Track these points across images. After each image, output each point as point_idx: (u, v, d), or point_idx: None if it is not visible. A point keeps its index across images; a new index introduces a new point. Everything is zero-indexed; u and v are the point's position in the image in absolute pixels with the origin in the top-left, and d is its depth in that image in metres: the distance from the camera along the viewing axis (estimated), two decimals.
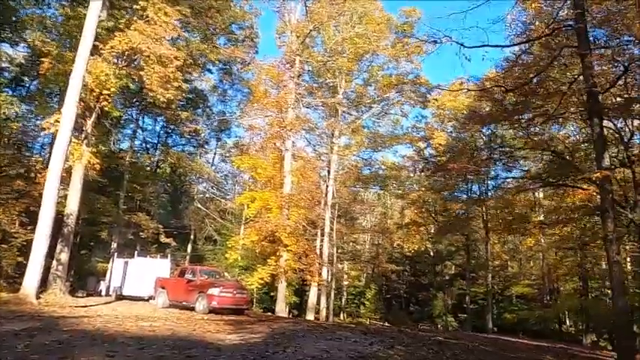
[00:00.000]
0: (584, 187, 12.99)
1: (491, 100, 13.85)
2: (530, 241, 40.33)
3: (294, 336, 8.90)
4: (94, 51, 16.35)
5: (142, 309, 15.71)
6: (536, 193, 36.44)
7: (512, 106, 12.83)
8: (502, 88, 11.72)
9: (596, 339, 32.17)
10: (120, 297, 20.39)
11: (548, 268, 35.07)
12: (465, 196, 39.80)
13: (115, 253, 23.10)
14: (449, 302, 42.12)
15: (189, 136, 39.41)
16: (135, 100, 29.03)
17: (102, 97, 16.78)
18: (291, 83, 22.91)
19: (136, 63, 18.32)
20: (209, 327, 9.90)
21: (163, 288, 17.52)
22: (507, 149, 13.10)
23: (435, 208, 40.92)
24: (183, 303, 16.22)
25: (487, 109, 34.71)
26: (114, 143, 31.95)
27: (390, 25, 27.33)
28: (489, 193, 35.02)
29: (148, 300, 19.74)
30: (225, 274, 18.50)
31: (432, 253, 45.03)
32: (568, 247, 33.19)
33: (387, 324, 36.66)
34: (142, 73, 16.42)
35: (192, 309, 15.54)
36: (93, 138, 19.35)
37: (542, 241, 35.95)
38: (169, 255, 22.67)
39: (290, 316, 27.94)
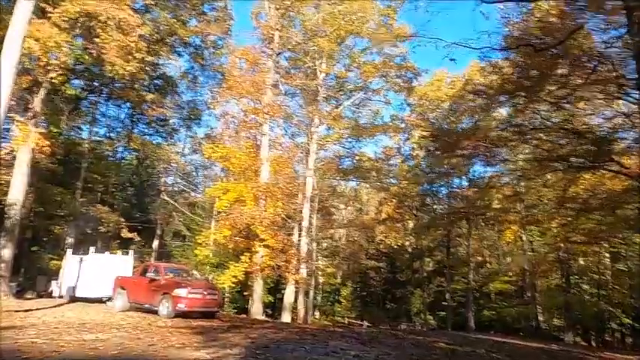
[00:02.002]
0: (614, 170, 11.64)
1: (498, 73, 12.33)
2: (509, 237, 39.76)
3: (280, 351, 7.11)
4: (42, 15, 14.08)
5: (95, 313, 13.56)
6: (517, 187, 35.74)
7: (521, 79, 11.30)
8: (531, 48, 10.05)
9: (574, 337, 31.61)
10: (74, 299, 18.03)
11: (531, 264, 34.28)
12: (445, 190, 38.95)
13: (70, 250, 20.63)
14: (427, 299, 41.02)
15: (157, 126, 36.97)
16: (94, 81, 26.45)
17: (50, 67, 14.45)
18: (270, 62, 20.98)
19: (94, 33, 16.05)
20: (172, 338, 7.97)
21: (123, 288, 15.37)
22: (523, 129, 11.64)
23: (415, 203, 39.81)
24: (146, 305, 14.15)
25: (474, 101, 34.16)
26: (72, 129, 29.25)
27: (374, 11, 25.71)
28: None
29: (106, 302, 17.50)
30: (194, 272, 16.49)
31: (409, 250, 43.95)
32: (552, 243, 32.63)
33: (366, 323, 35.24)
34: (97, 40, 14.18)
35: (156, 312, 13.52)
36: (42, 117, 16.90)
37: (524, 237, 35.25)
38: (131, 251, 20.38)
39: (265, 316, 26.03)
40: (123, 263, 18.80)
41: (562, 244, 31.74)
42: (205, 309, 13.66)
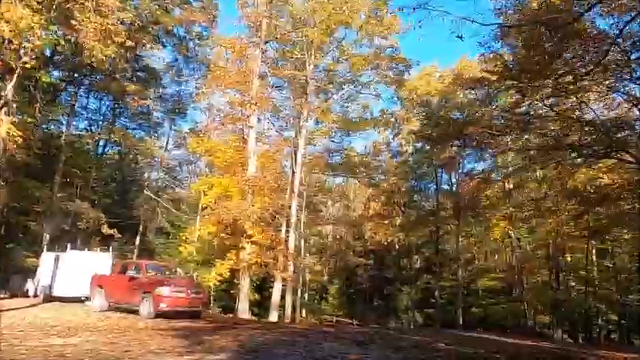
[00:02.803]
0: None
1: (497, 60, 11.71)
2: (497, 233, 39.58)
3: (271, 356, 6.44)
4: None
5: (71, 314, 12.70)
6: (507, 183, 35.56)
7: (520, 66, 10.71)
8: (542, 27, 9.38)
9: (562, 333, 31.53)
10: (50, 298, 17.06)
11: (519, 261, 34.12)
12: (434, 186, 38.61)
13: (46, 247, 19.62)
14: (415, 297, 40.66)
15: (140, 120, 35.88)
16: (74, 72, 25.37)
17: (23, 51, 13.50)
18: (257, 50, 20.18)
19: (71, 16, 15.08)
20: (152, 342, 7.24)
21: (101, 287, 14.52)
22: (528, 116, 11.05)
23: (403, 199, 39.40)
24: (125, 305, 13.34)
25: (461, 95, 33.73)
26: (50, 122, 28.05)
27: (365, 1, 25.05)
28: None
29: (83, 301, 16.58)
30: (178, 269, 15.69)
31: (397, 247, 43.59)
32: (541, 240, 32.53)
33: (355, 322, 34.80)
34: (73, 22, 13.27)
35: (137, 312, 12.73)
36: (14, 106, 15.90)
37: (512, 234, 35.09)
38: (111, 248, 19.44)
39: (251, 315, 25.30)
40: (102, 261, 17.89)
41: (551, 241, 31.69)
42: (189, 309, 12.90)
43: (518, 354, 11.98)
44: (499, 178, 31.10)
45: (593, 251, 32.45)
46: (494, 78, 11.63)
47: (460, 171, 36.16)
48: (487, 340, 14.82)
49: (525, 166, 12.06)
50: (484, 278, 38.44)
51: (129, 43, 14.62)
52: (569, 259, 33.76)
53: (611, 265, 33.05)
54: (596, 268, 32.74)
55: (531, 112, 11.22)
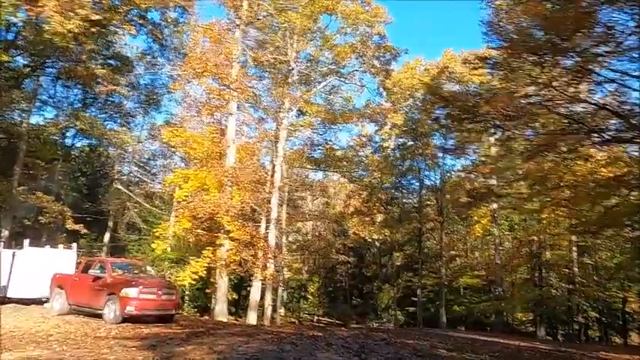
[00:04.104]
0: None
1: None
2: (478, 231, 39.24)
3: None
4: None
5: (25, 319, 11.26)
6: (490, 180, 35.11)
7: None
8: None
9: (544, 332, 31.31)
10: (4, 300, 15.42)
11: (501, 258, 33.71)
12: (417, 183, 37.92)
13: (2, 243, 17.92)
14: (396, 295, 39.94)
15: (111, 111, 34.03)
16: (38, 57, 23.46)
17: None
18: (237, 32, 18.87)
19: None
20: (110, 357, 6.00)
21: (61, 288, 13.06)
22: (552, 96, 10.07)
23: (386, 196, 38.60)
24: (88, 308, 11.96)
25: (446, 89, 33.06)
26: (12, 110, 26.01)
27: None
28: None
29: (44, 304, 15.03)
30: (148, 268, 14.31)
31: (378, 244, 42.85)
32: (524, 238, 32.22)
33: (338, 321, 33.85)
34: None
35: (101, 316, 11.37)
36: None
37: (495, 230, 34.67)
38: (75, 245, 17.86)
39: (229, 315, 24.00)
40: (65, 258, 16.33)
41: (535, 238, 31.39)
42: (160, 312, 11.62)
43: (520, 357, 11.20)
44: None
45: (574, 248, 32.27)
46: (501, 57, 10.61)
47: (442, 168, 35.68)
48: (482, 342, 14.06)
49: (531, 153, 11.28)
50: (466, 276, 37.98)
51: (94, 17, 13.15)
52: (549, 255, 33.52)
53: (592, 263, 32.97)
54: (576, 267, 32.58)
55: (543, 94, 10.37)
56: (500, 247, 35.08)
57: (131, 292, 10.92)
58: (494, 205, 34.53)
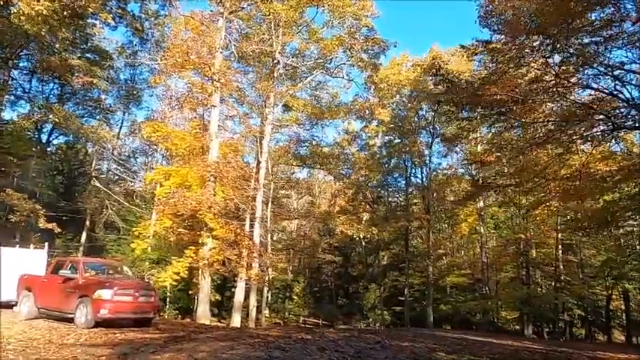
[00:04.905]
0: None
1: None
2: (464, 229, 39.04)
3: None
4: None
5: None
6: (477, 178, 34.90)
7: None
8: None
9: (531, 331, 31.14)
10: None
11: (488, 257, 33.49)
12: (403, 181, 37.52)
13: None
14: (383, 294, 39.48)
15: (90, 106, 32.83)
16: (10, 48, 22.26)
17: None
18: (220, 20, 18.07)
19: None
20: None
21: (29, 290, 12.12)
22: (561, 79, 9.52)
23: (372, 195, 38.15)
24: (58, 312, 11.07)
25: (431, 85, 32.64)
26: None
27: None
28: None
29: (12, 307, 14.03)
30: (125, 268, 13.42)
31: (363, 243, 42.35)
32: (511, 236, 32.00)
33: (324, 322, 33.20)
34: None
35: (72, 320, 10.51)
36: None
37: (482, 229, 34.44)
38: (47, 245, 16.82)
39: (211, 317, 23.12)
40: (35, 259, 15.34)
41: (522, 236, 31.21)
42: (137, 315, 10.79)
43: (520, 358, 10.71)
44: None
45: (559, 246, 32.20)
46: (502, 41, 10.08)
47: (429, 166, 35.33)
48: (475, 342, 13.58)
49: (532, 143, 10.78)
50: (452, 275, 37.72)
51: None
52: (534, 254, 33.41)
53: (576, 261, 32.96)
54: (562, 264, 32.54)
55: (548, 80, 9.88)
56: (486, 246, 34.88)
57: (105, 293, 10.08)
58: (481, 204, 34.43)
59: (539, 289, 32.48)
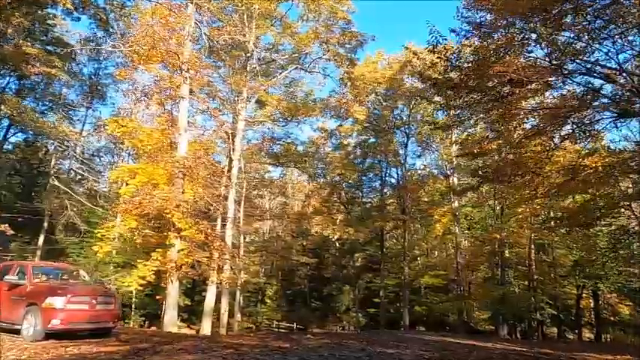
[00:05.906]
0: None
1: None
2: (438, 230, 38.87)
3: None
4: None
5: None
6: (452, 179, 34.82)
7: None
8: None
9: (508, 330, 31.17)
10: None
11: (466, 257, 33.34)
12: (379, 182, 37.08)
13: None
14: (357, 296, 38.93)
15: (51, 102, 31.07)
16: None
17: None
18: (190, 6, 17.03)
19: None
20: None
21: None
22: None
23: (347, 195, 37.56)
24: (3, 323, 9.83)
25: (407, 84, 32.30)
26: None
27: None
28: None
29: None
30: (82, 272, 12.24)
31: (337, 244, 41.74)
32: (486, 236, 31.95)
33: (298, 326, 32.30)
34: None
35: (18, 332, 9.32)
36: None
37: (457, 229, 34.28)
38: None
39: (180, 322, 21.97)
40: None
41: (497, 235, 31.20)
42: (95, 325, 9.67)
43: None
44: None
45: (532, 246, 32.36)
46: (504, 19, 9.46)
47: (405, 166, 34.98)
48: (460, 346, 13.03)
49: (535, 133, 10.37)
50: (427, 275, 37.49)
51: None
52: (507, 254, 33.50)
53: (549, 260, 33.22)
54: (534, 264, 32.71)
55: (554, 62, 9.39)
56: (461, 247, 34.78)
57: (57, 301, 8.94)
58: (456, 204, 34.30)
59: (513, 288, 32.57)
